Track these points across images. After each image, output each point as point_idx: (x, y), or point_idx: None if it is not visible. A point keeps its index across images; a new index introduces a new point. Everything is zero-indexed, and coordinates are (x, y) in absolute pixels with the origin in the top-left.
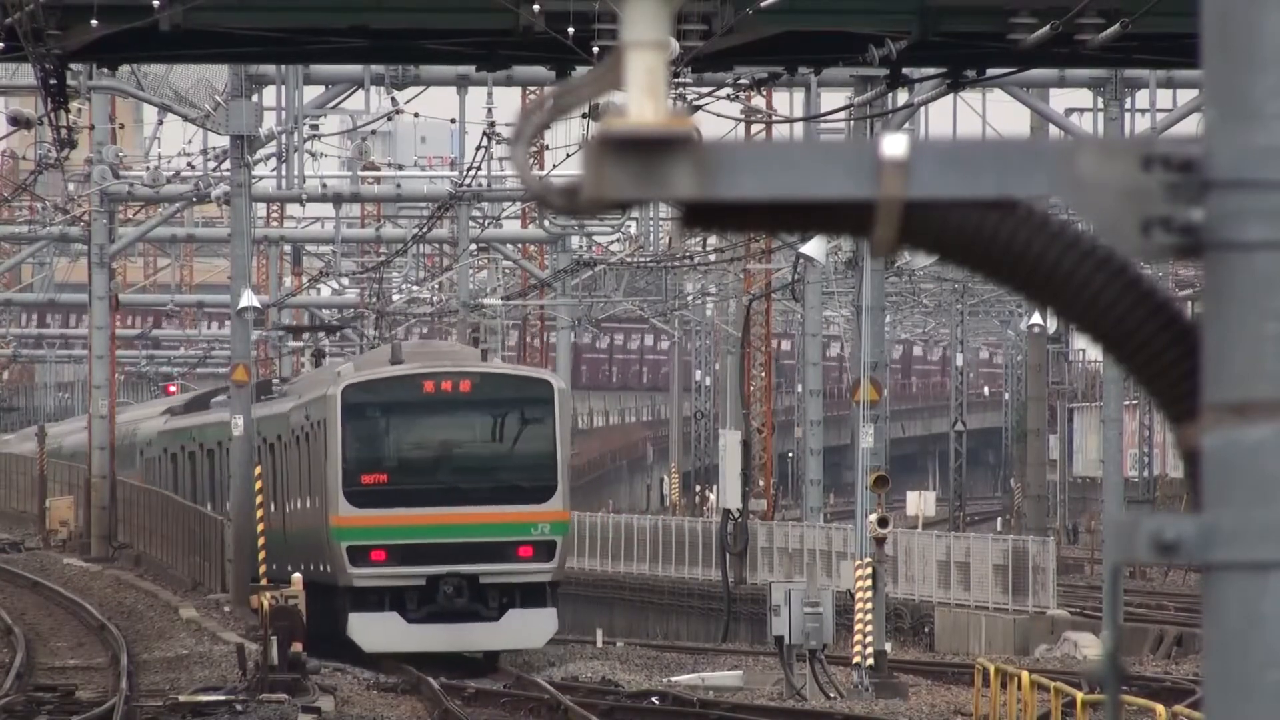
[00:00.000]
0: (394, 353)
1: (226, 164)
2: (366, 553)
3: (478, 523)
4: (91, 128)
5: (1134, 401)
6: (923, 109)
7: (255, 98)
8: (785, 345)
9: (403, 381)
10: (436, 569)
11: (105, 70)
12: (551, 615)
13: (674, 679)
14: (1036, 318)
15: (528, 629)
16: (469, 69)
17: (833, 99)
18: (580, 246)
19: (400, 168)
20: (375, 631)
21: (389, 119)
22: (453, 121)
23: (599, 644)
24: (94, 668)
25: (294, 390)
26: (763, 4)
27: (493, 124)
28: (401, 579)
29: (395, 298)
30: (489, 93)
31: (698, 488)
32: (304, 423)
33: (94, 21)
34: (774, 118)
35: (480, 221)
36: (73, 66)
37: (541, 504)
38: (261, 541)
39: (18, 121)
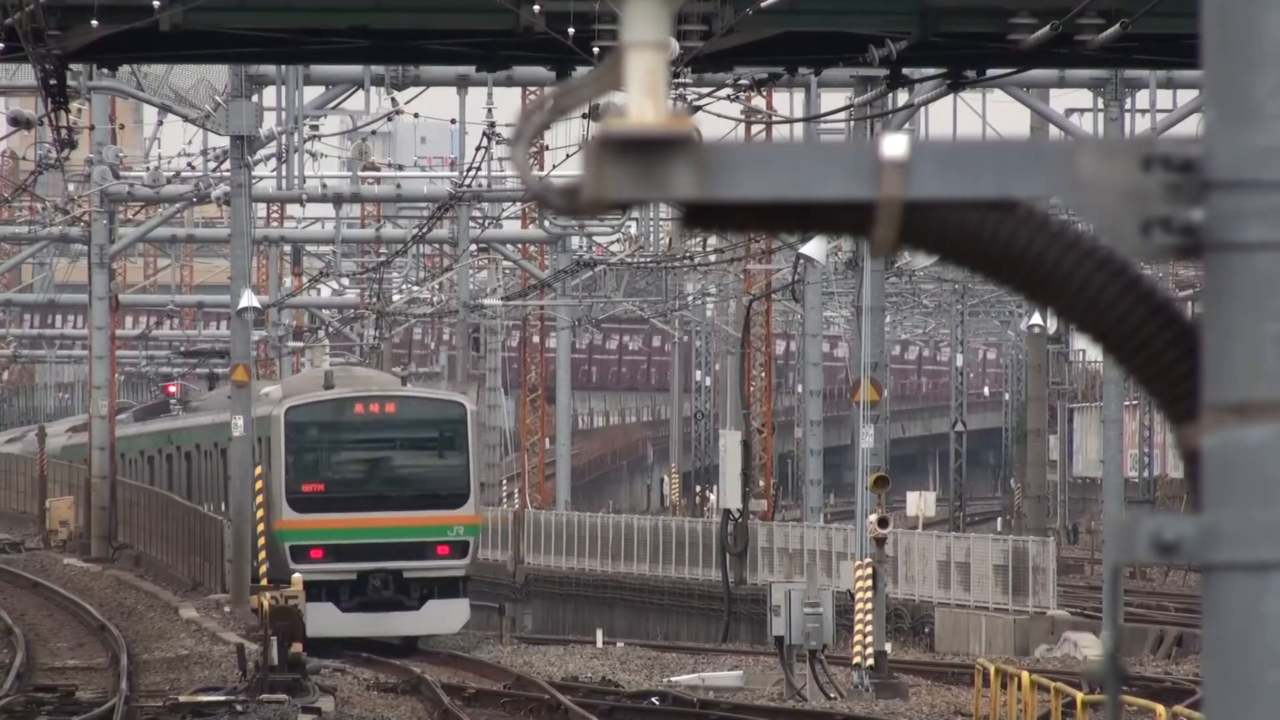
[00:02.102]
0: (326, 379)
1: (226, 164)
2: (306, 551)
3: (401, 525)
4: (91, 128)
5: (1134, 402)
6: (923, 109)
7: (255, 98)
8: (787, 346)
9: (337, 404)
10: (366, 565)
11: (105, 70)
12: (464, 605)
13: (674, 679)
14: (1036, 318)
15: (445, 617)
16: (469, 69)
17: (833, 99)
18: (580, 247)
19: (400, 168)
20: (313, 619)
21: (389, 119)
22: (453, 122)
23: (599, 644)
24: (94, 668)
25: (204, 408)
26: (763, 4)
27: (493, 124)
28: (336, 574)
29: (395, 298)
30: (489, 93)
31: (698, 488)
32: None
33: (94, 22)
34: (774, 118)
35: (480, 222)
36: (73, 67)
37: (456, 509)
38: (262, 542)
39: (18, 122)
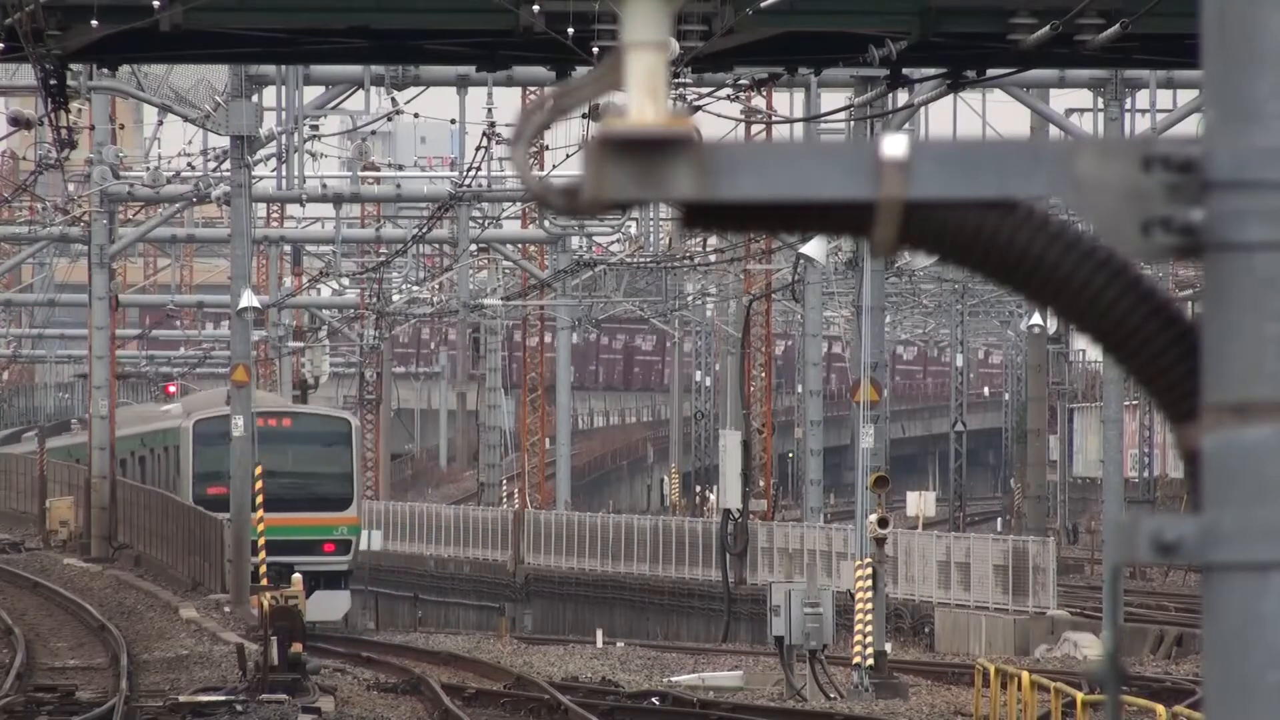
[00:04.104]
0: (229, 396)
1: (226, 164)
2: None
3: (294, 525)
4: (91, 128)
5: (1134, 402)
6: (923, 109)
7: (255, 98)
8: (785, 345)
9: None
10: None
11: (105, 70)
12: (346, 596)
13: (674, 679)
14: (1036, 318)
15: (330, 606)
16: (469, 69)
17: (833, 99)
18: (580, 247)
19: (400, 168)
20: None
21: (389, 119)
22: (453, 122)
23: (599, 644)
24: (94, 668)
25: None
26: (763, 4)
27: (493, 124)
28: None
29: (395, 298)
30: (489, 93)
31: (698, 488)
32: (140, 448)
33: (94, 22)
34: (774, 118)
35: (480, 222)
36: (73, 67)
37: (341, 511)
38: (262, 542)
39: (18, 122)
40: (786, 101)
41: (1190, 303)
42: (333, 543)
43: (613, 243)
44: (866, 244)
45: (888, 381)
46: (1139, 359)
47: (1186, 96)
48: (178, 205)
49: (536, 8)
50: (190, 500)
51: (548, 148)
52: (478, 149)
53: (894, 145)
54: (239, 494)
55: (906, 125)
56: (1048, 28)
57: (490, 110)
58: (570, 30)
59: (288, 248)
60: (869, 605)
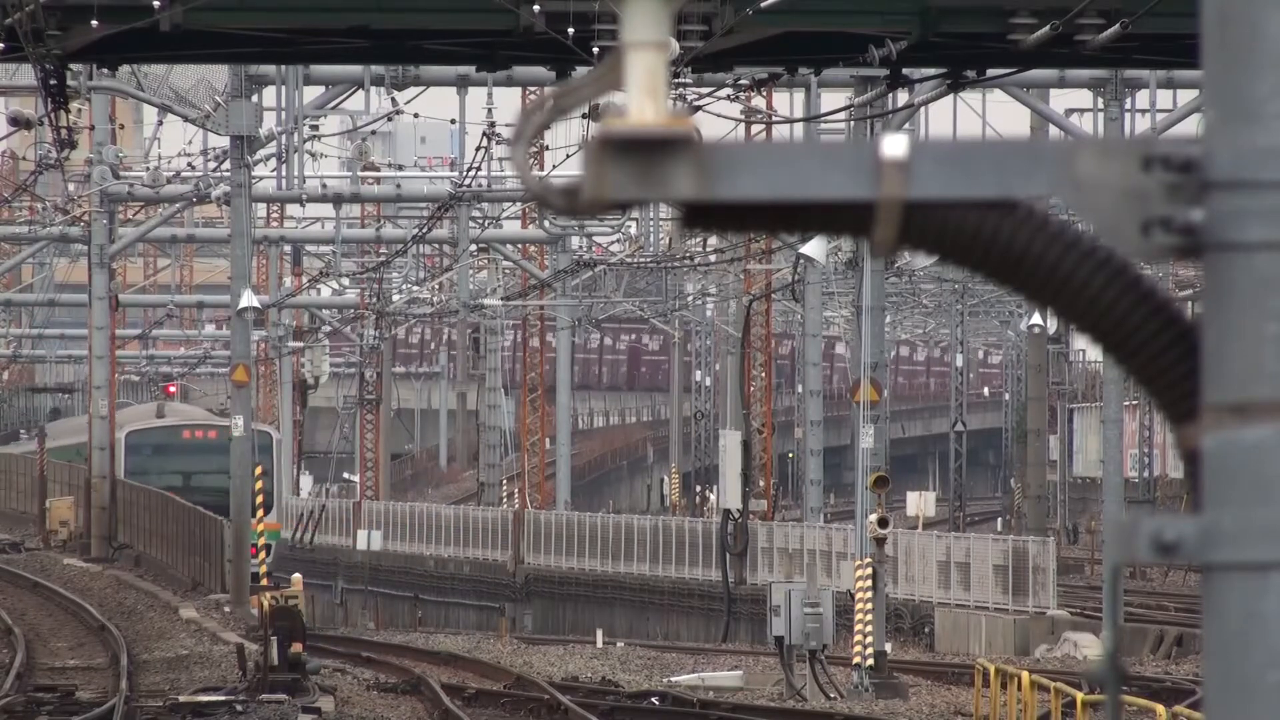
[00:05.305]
0: (159, 410)
1: (226, 164)
2: None
3: None
4: (91, 128)
5: (1134, 402)
6: (923, 109)
7: (255, 98)
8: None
9: (168, 430)
10: None
11: (105, 70)
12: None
13: (674, 679)
14: (1036, 318)
15: None
16: (469, 69)
17: (833, 99)
18: (580, 247)
19: (400, 168)
20: None
21: (389, 119)
22: (453, 122)
23: (599, 644)
24: (94, 668)
25: (53, 434)
26: (763, 4)
27: (493, 124)
28: None
29: (395, 298)
30: (489, 93)
31: (698, 488)
32: (76, 458)
33: (94, 22)
34: (774, 118)
35: (480, 222)
36: (73, 67)
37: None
38: (261, 543)
39: (18, 122)
40: (786, 101)
41: (1190, 303)
42: (254, 546)
43: (613, 243)
44: (866, 244)
45: (889, 381)
46: (1139, 359)
47: (1186, 96)
48: (178, 205)
49: (536, 8)
50: None
51: (548, 148)
52: (478, 149)
53: (894, 145)
54: (239, 494)
55: (906, 125)
56: (1048, 28)
57: (490, 110)
58: (570, 30)
59: (288, 248)
60: (869, 605)
